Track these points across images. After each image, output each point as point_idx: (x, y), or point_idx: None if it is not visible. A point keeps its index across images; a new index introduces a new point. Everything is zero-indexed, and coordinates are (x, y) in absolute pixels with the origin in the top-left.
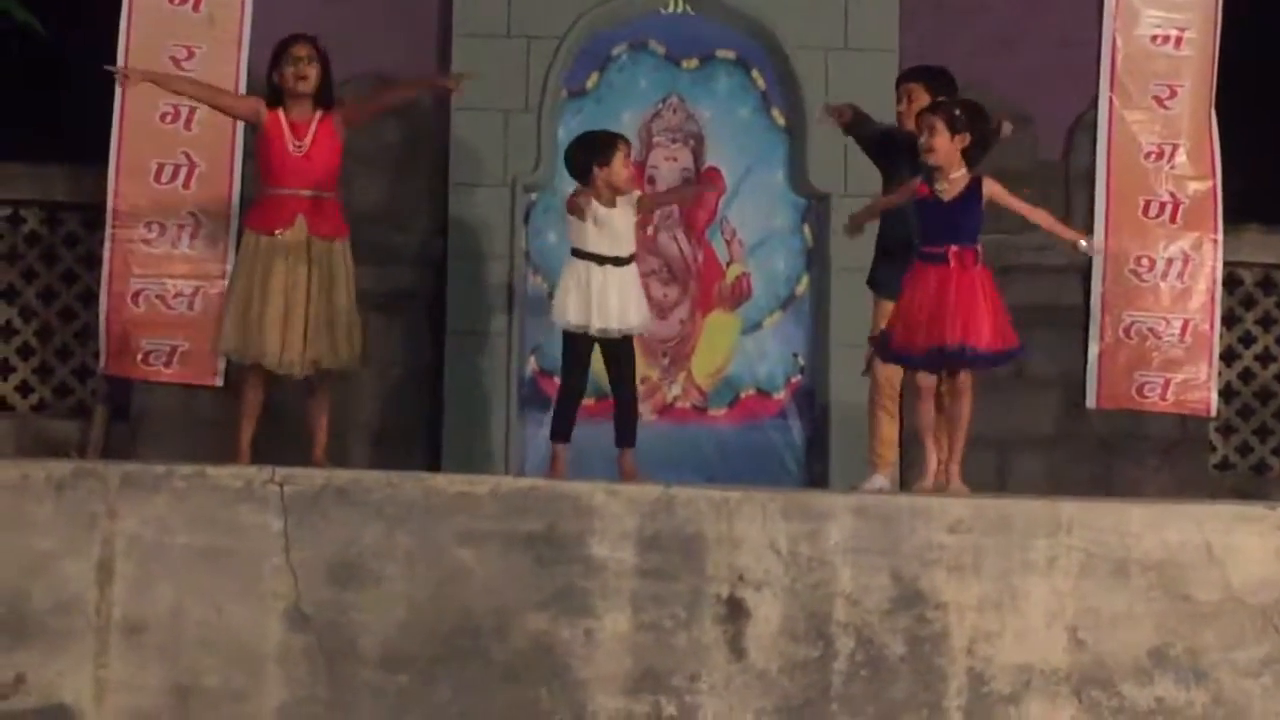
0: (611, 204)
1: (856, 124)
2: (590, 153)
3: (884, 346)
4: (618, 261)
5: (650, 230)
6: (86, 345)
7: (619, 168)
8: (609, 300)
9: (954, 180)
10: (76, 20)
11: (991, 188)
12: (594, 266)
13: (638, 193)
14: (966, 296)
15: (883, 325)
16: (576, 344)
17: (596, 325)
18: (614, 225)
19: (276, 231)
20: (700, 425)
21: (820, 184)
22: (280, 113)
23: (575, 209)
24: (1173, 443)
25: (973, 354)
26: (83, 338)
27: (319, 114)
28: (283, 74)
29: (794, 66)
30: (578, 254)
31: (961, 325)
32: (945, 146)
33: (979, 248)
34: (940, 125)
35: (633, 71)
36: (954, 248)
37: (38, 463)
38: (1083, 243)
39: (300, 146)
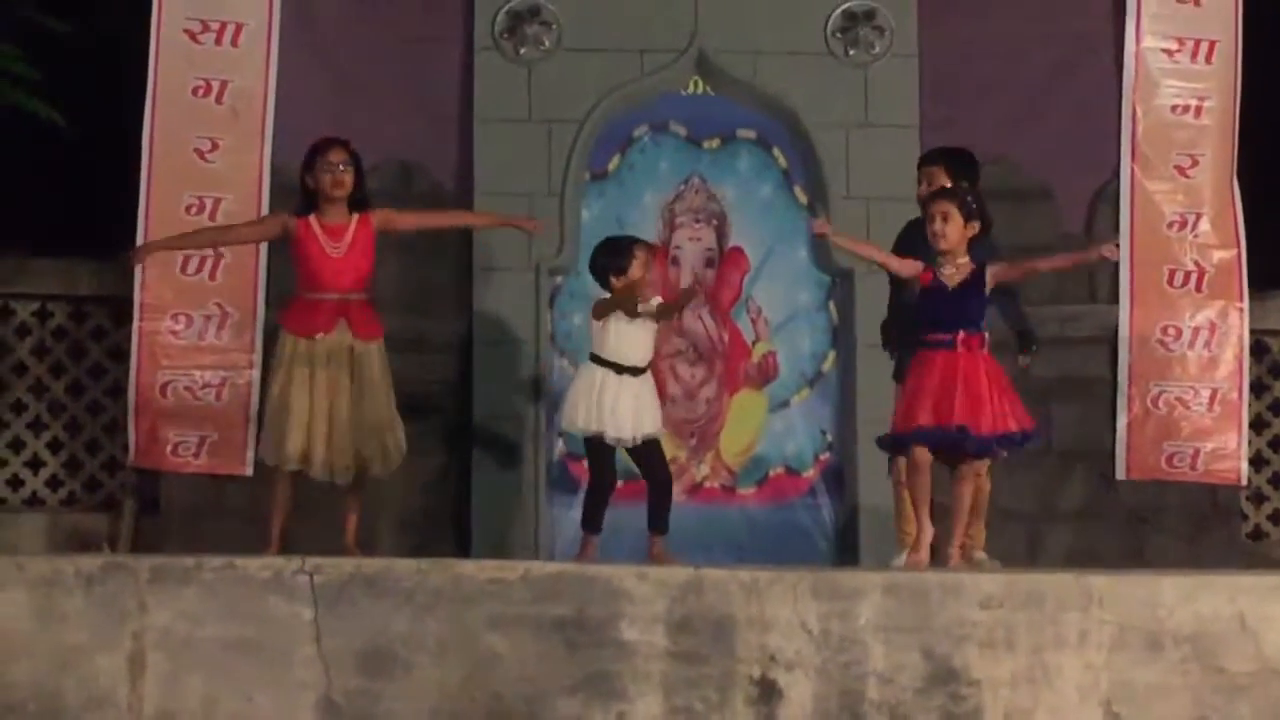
0: (634, 313)
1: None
2: (607, 259)
3: (886, 438)
4: (635, 371)
5: (675, 320)
6: (115, 438)
7: (636, 274)
8: (622, 410)
9: (959, 266)
10: (101, 114)
11: (995, 270)
12: (610, 375)
13: (657, 300)
14: (971, 380)
15: None
16: (597, 446)
17: (611, 435)
18: (635, 334)
19: (318, 336)
20: (729, 505)
21: (844, 261)
22: (312, 218)
23: (621, 305)
24: (1204, 513)
25: (975, 440)
26: (111, 431)
27: (356, 217)
28: (319, 179)
29: (815, 144)
30: (596, 360)
31: (963, 410)
32: (957, 234)
33: (985, 334)
34: (954, 212)
35: (654, 153)
36: (961, 333)
37: (68, 558)
38: (1105, 251)
39: (338, 249)
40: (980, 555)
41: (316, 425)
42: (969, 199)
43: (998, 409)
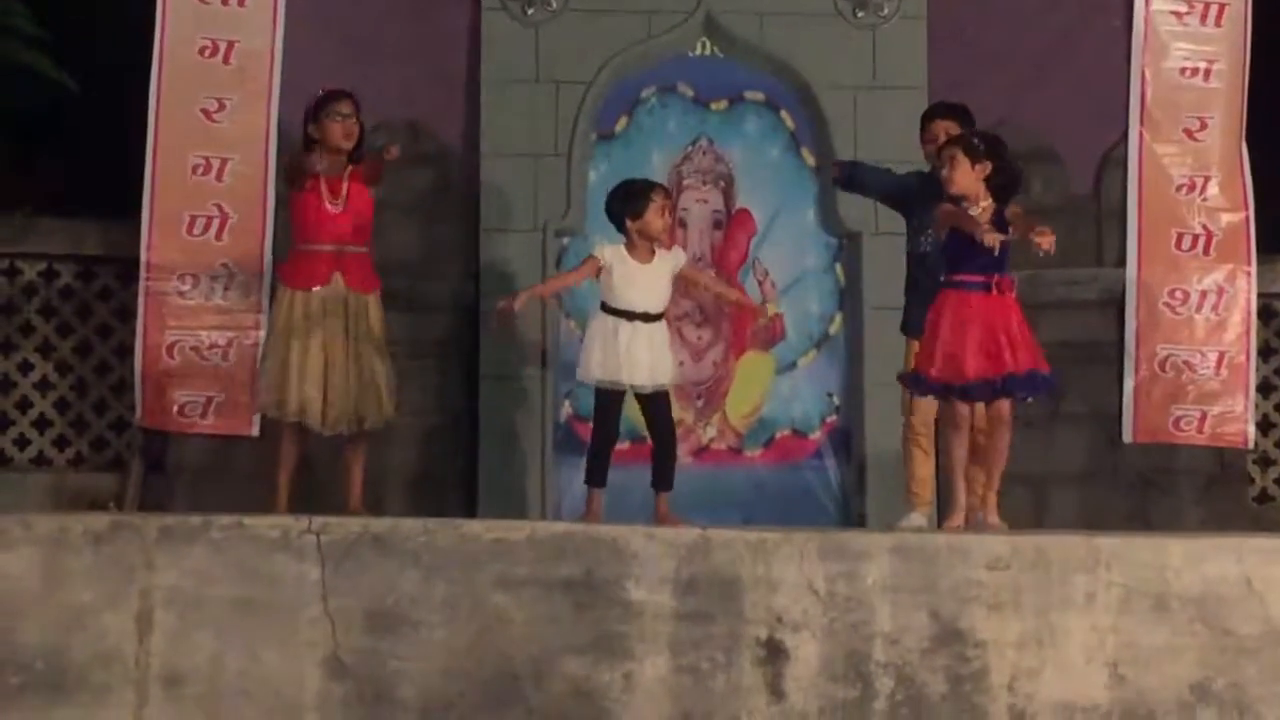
0: (647, 258)
1: (856, 181)
2: (623, 204)
3: (920, 381)
4: (647, 318)
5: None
6: (122, 398)
7: (653, 219)
8: (638, 356)
9: (983, 209)
10: (108, 74)
11: (1009, 212)
12: (622, 322)
13: (684, 258)
14: (1009, 324)
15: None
16: (607, 398)
17: (627, 381)
18: (646, 280)
19: (314, 288)
20: (736, 467)
21: (851, 223)
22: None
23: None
24: (1210, 476)
25: (1021, 381)
26: (118, 391)
27: (349, 169)
28: (326, 129)
29: (822, 106)
30: (606, 309)
31: (1010, 353)
32: (966, 176)
33: (1013, 277)
34: (960, 155)
35: (662, 114)
36: (996, 275)
37: (75, 516)
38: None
39: (336, 203)
40: (993, 518)
41: (311, 376)
42: (974, 140)
43: (1033, 353)
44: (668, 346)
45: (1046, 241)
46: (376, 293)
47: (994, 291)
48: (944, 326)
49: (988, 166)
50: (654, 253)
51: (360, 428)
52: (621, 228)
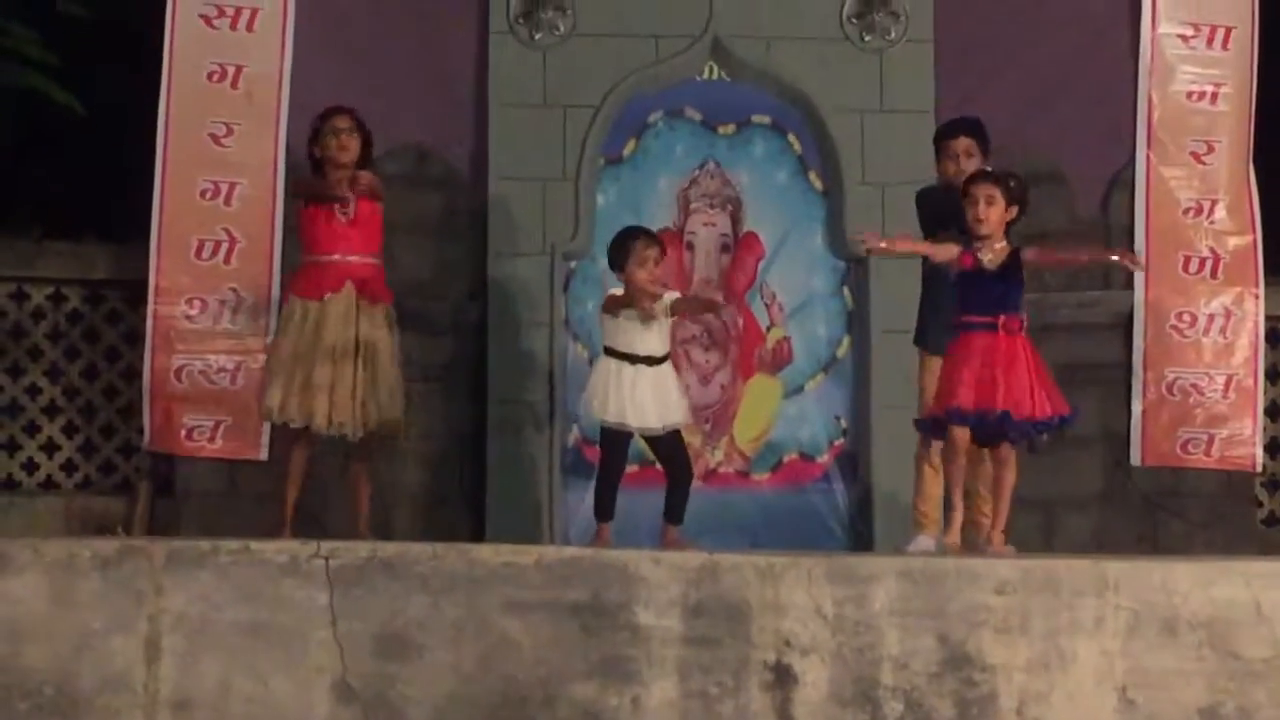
0: (623, 308)
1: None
2: (610, 256)
3: (925, 420)
4: (651, 361)
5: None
6: (130, 422)
7: (632, 270)
8: (644, 400)
9: (998, 250)
10: (117, 99)
11: (1029, 255)
12: (625, 365)
13: (675, 294)
14: (1012, 364)
15: (928, 380)
16: (614, 435)
17: (635, 425)
18: (646, 323)
19: (326, 296)
20: (743, 490)
21: (859, 247)
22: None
23: (633, 302)
24: (1218, 499)
25: (1015, 425)
26: (126, 415)
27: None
28: (324, 145)
29: (830, 129)
30: (609, 352)
31: (1006, 395)
32: (999, 217)
33: (1024, 317)
34: (999, 196)
35: (669, 138)
36: (1003, 316)
37: (84, 541)
38: (1125, 260)
39: (344, 215)
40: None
41: (319, 383)
42: (1012, 183)
43: (1038, 394)
44: (677, 387)
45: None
46: (387, 305)
47: (1000, 330)
48: (950, 367)
49: (1015, 211)
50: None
51: (366, 433)
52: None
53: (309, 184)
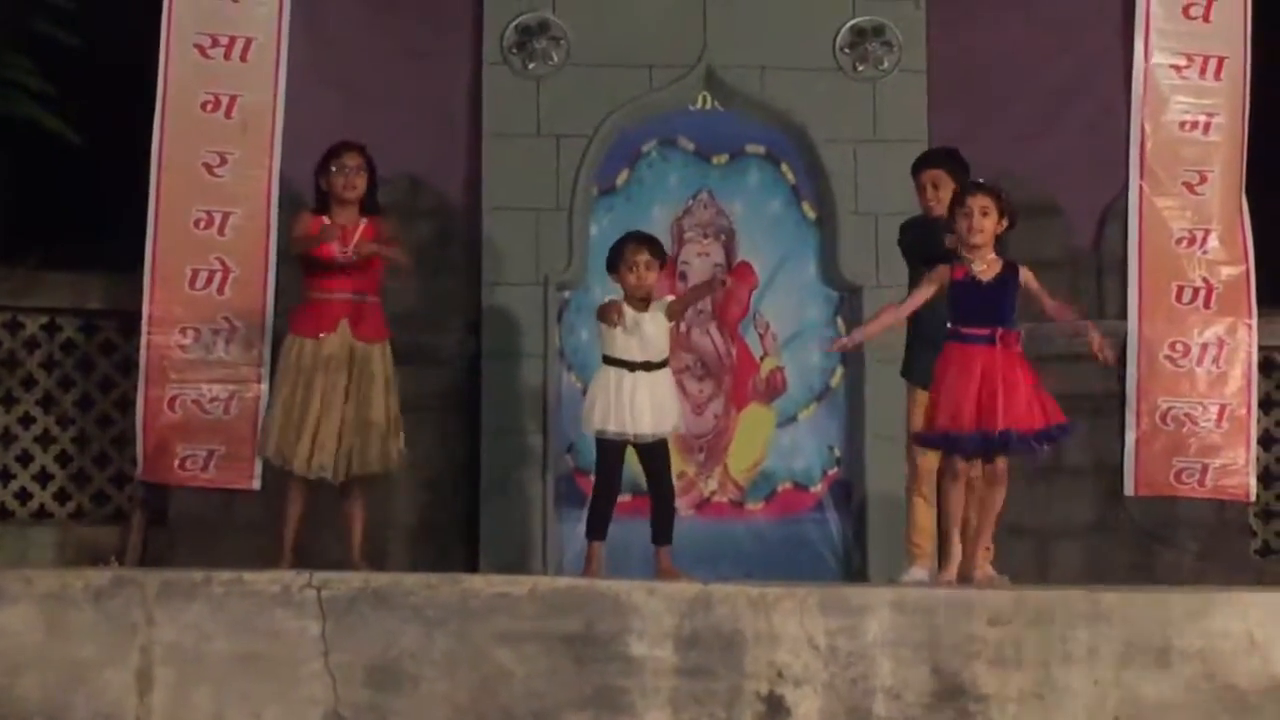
0: (643, 306)
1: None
2: (607, 260)
3: (927, 434)
4: (649, 366)
5: (684, 327)
6: (124, 452)
7: (624, 275)
8: (640, 404)
9: (990, 262)
10: (111, 128)
11: (1028, 276)
12: (625, 373)
13: (668, 299)
14: (1011, 379)
15: (916, 414)
16: (609, 448)
17: (630, 431)
18: (645, 330)
19: (320, 335)
20: (737, 520)
21: (852, 276)
22: (325, 219)
23: (604, 317)
24: (1212, 529)
25: (1019, 439)
26: (120, 444)
27: (364, 221)
28: (331, 181)
29: (823, 159)
30: (608, 360)
31: (1008, 410)
32: (992, 228)
33: (1020, 330)
34: (992, 206)
35: (663, 168)
36: (999, 329)
37: (76, 571)
38: (1101, 352)
39: (345, 251)
40: (990, 570)
41: (308, 424)
42: (1005, 195)
43: (1035, 407)
44: (673, 394)
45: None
46: (385, 343)
47: (997, 344)
48: (945, 380)
49: (1005, 224)
50: (649, 301)
51: (353, 475)
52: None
53: (305, 240)
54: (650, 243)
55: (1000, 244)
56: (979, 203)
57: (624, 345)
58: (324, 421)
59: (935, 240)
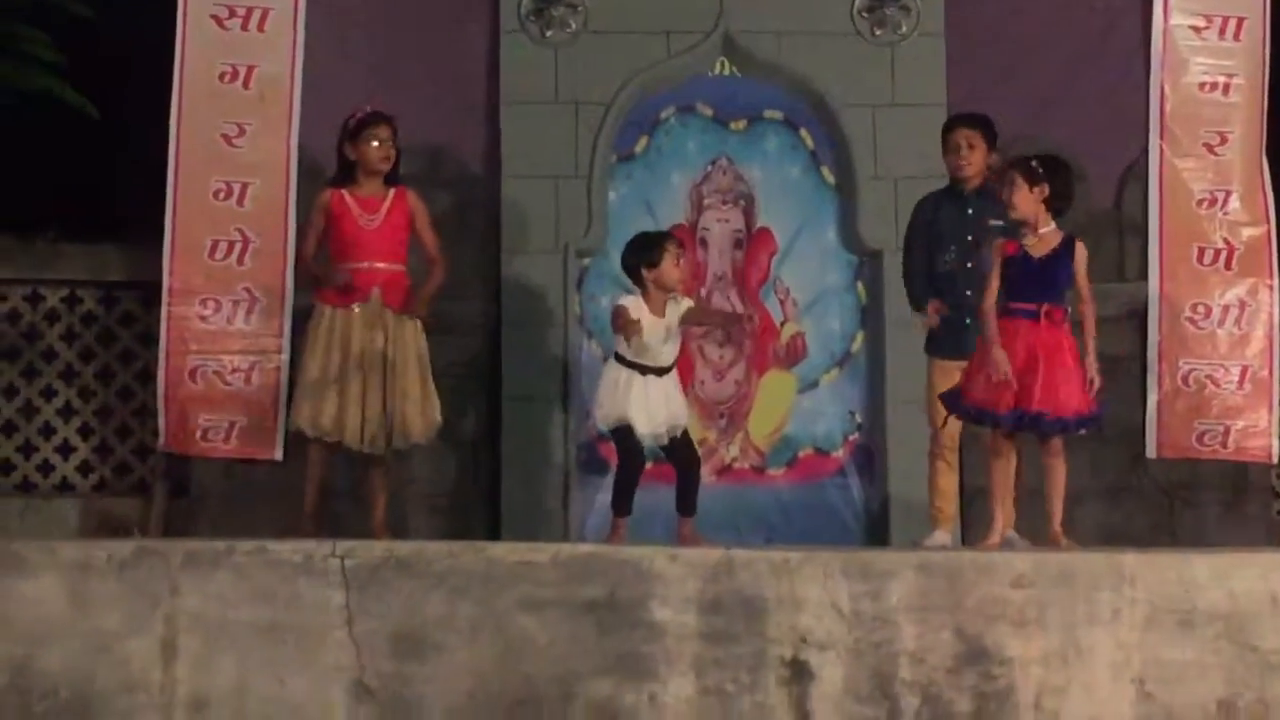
0: (662, 309)
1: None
2: (638, 254)
3: (958, 402)
4: (660, 371)
5: (704, 292)
6: (145, 423)
7: (669, 269)
8: (654, 406)
9: (1043, 236)
10: (128, 100)
11: (1081, 255)
12: (635, 375)
13: (687, 303)
14: (1054, 359)
15: (937, 384)
16: (626, 435)
17: (642, 431)
18: (660, 335)
19: (352, 306)
20: (759, 485)
21: (872, 241)
22: (345, 192)
23: (622, 331)
24: (1235, 490)
25: (1050, 421)
26: (141, 416)
27: (391, 191)
28: (364, 152)
29: (842, 124)
30: (620, 360)
31: (1048, 390)
32: (1026, 200)
33: (1067, 307)
34: (1019, 179)
35: (681, 134)
36: (1046, 305)
37: (100, 543)
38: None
39: (372, 221)
40: (1011, 534)
41: (350, 395)
42: (1032, 163)
43: (1077, 389)
44: (679, 391)
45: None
46: (414, 312)
47: (1042, 320)
48: (985, 358)
49: (1046, 189)
50: (665, 306)
51: (389, 446)
52: (637, 279)
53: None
54: (674, 239)
55: (1064, 197)
56: (1006, 178)
57: (637, 350)
58: (368, 394)
59: (954, 212)
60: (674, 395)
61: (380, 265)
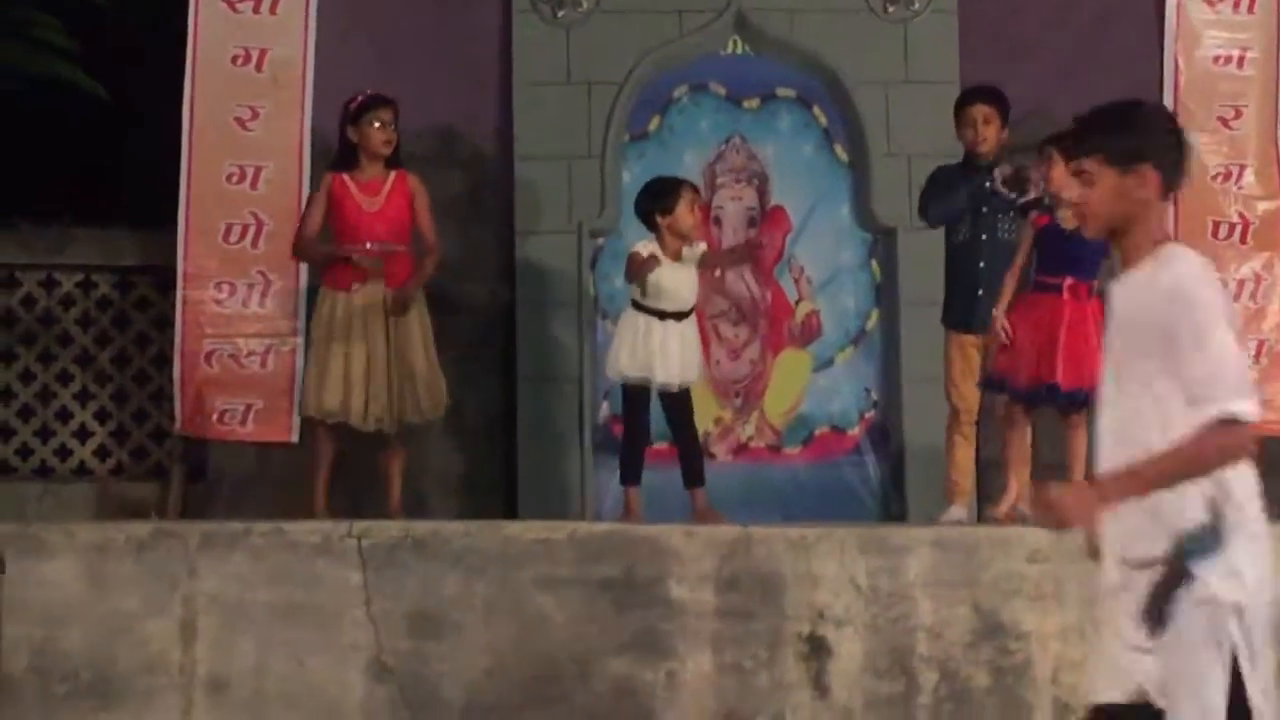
0: (678, 255)
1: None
2: (653, 200)
3: (984, 376)
4: (679, 316)
5: (717, 272)
6: (162, 407)
7: (684, 214)
8: (670, 354)
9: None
10: (141, 84)
11: None
12: (654, 320)
13: (702, 246)
14: (1077, 334)
15: (955, 357)
16: (635, 394)
17: (658, 379)
18: (677, 278)
19: (354, 287)
20: (775, 464)
21: (886, 218)
22: (346, 175)
23: (637, 272)
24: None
25: (1079, 394)
26: (158, 400)
27: (393, 173)
28: (366, 135)
29: (855, 102)
30: (637, 306)
31: (1067, 365)
32: (1062, 176)
33: (1094, 282)
34: (1057, 155)
35: (694, 113)
36: (1069, 279)
37: (118, 525)
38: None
39: (373, 203)
40: (1025, 509)
41: (354, 376)
42: (1067, 140)
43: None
44: (697, 343)
45: None
46: (419, 291)
47: (1065, 295)
48: (1016, 326)
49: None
50: (682, 250)
51: (399, 427)
52: (651, 225)
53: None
54: (690, 183)
55: None
56: (1044, 153)
57: (655, 294)
58: (372, 374)
59: (969, 182)
60: (690, 344)
61: (382, 248)
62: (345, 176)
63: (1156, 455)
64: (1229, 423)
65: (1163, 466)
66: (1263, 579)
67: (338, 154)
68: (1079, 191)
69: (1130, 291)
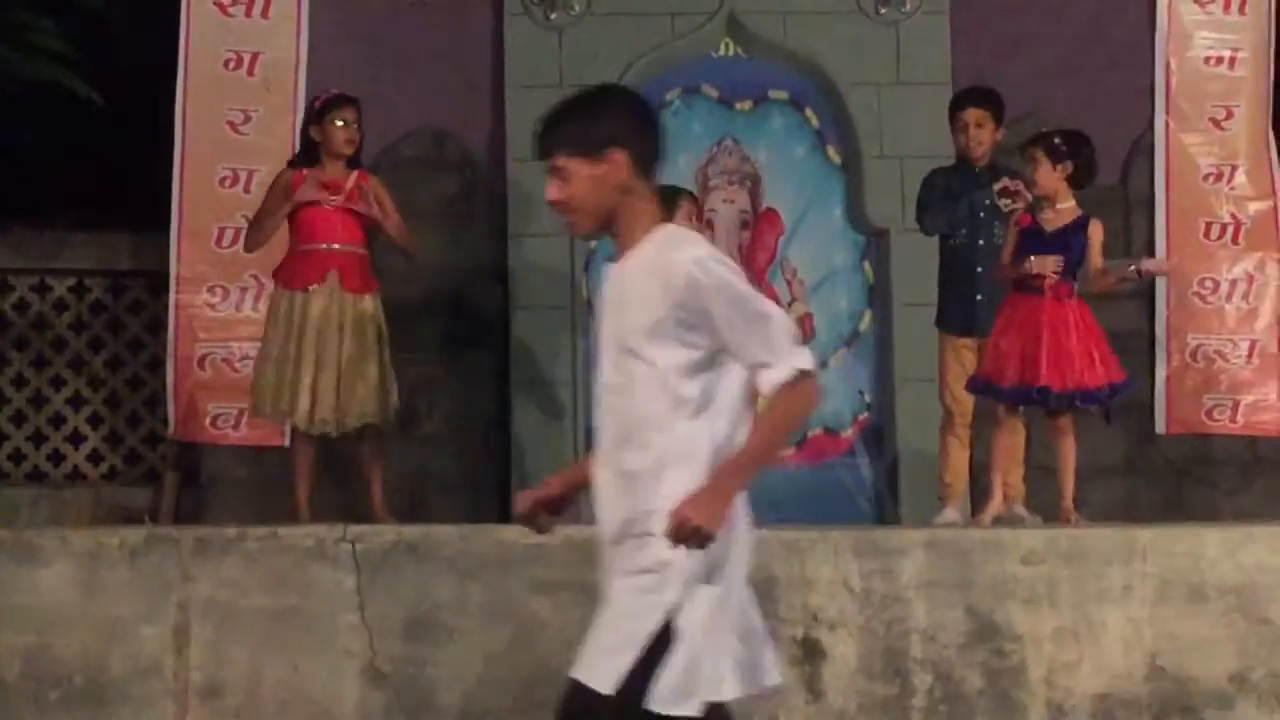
0: None
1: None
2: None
3: (970, 379)
4: None
5: None
6: (155, 412)
7: (681, 224)
8: None
9: (1060, 211)
10: (133, 88)
11: (1095, 231)
12: None
13: None
14: (1060, 333)
15: (948, 360)
16: None
17: None
18: None
19: (309, 288)
20: (769, 466)
21: (878, 220)
22: (306, 172)
23: None
24: (1245, 465)
25: (1058, 396)
26: (151, 404)
27: (354, 173)
28: (328, 133)
29: (847, 104)
30: None
31: (1051, 365)
32: (1049, 176)
33: (1075, 283)
34: (1042, 156)
35: (686, 116)
36: (1052, 279)
37: (111, 530)
38: (1146, 264)
39: (333, 202)
40: (1020, 510)
41: (304, 380)
42: (1055, 141)
43: (1084, 363)
44: None
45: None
46: (373, 294)
47: (1047, 295)
48: (997, 327)
49: (1069, 166)
50: None
51: (349, 429)
52: None
53: (286, 201)
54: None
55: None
56: (1028, 155)
57: None
58: (321, 376)
59: (965, 186)
60: None
61: (338, 247)
62: (306, 173)
63: (754, 430)
64: (800, 376)
65: (765, 436)
66: None
67: (299, 151)
68: (559, 191)
69: (632, 274)
